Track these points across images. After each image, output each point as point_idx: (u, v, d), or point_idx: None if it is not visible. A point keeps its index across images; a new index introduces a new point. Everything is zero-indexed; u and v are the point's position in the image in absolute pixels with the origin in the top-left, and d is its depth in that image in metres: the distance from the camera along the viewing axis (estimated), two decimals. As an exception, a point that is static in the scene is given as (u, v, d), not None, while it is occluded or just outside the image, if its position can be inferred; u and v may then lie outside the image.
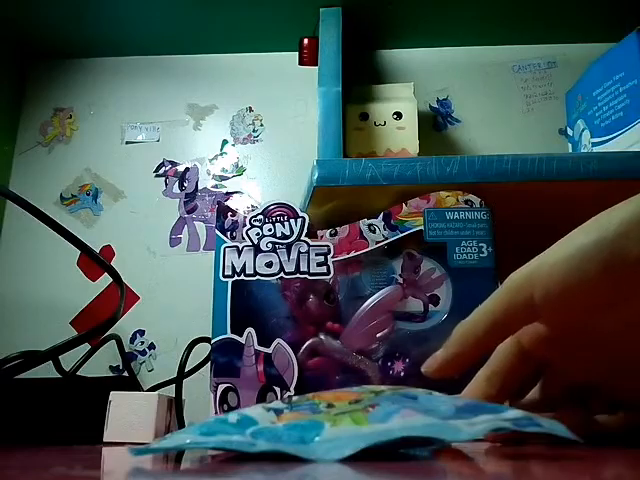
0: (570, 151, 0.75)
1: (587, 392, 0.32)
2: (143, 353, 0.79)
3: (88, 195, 0.85)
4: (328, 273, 0.44)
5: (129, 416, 0.42)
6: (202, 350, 0.55)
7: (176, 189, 0.85)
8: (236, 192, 0.85)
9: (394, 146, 0.71)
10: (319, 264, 0.44)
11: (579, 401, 0.31)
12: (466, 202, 0.45)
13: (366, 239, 0.45)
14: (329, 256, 0.44)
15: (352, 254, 0.44)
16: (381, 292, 0.44)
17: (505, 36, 0.85)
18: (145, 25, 0.83)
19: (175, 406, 0.48)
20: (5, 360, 0.46)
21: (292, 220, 0.45)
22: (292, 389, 0.42)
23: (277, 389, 0.42)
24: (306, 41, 0.80)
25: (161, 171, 0.86)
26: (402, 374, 0.42)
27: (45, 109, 0.89)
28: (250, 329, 0.43)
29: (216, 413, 0.42)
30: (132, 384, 0.54)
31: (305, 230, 0.45)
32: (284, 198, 0.46)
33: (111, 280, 0.60)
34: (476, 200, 0.45)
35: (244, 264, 0.44)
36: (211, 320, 0.44)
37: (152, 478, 0.21)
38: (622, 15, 0.76)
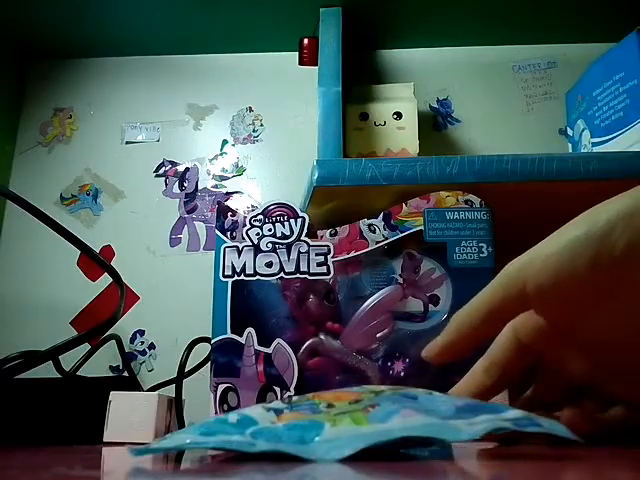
0: (570, 151, 0.75)
1: (584, 391, 0.32)
2: (143, 353, 0.79)
3: (88, 195, 0.86)
4: (328, 273, 0.44)
5: (129, 416, 0.42)
6: (202, 350, 0.55)
7: (176, 189, 0.85)
8: (236, 192, 0.85)
9: (394, 146, 0.71)
10: (319, 264, 0.44)
11: (577, 400, 0.31)
12: (466, 202, 0.45)
13: (366, 239, 0.45)
14: (329, 256, 0.44)
15: (352, 254, 0.44)
16: (381, 292, 0.44)
17: (505, 36, 0.85)
18: (145, 25, 0.83)
19: (175, 406, 0.48)
20: (5, 360, 0.46)
21: (292, 220, 0.45)
22: (292, 389, 0.42)
23: (277, 389, 0.42)
24: (306, 41, 0.80)
25: (161, 171, 0.86)
26: (402, 374, 0.42)
27: (45, 109, 0.89)
28: (250, 329, 0.43)
29: (216, 413, 0.42)
30: (132, 384, 0.54)
31: (305, 230, 0.45)
32: (284, 198, 0.46)
33: (111, 280, 0.60)
34: (476, 200, 0.45)
35: (244, 264, 0.44)
36: (211, 320, 0.44)
37: (152, 478, 0.21)
38: (622, 15, 0.76)
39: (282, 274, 0.44)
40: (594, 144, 0.67)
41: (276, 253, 0.44)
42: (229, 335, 0.43)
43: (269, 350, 0.43)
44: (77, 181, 0.86)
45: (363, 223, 0.45)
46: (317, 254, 0.44)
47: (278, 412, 0.25)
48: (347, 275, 0.44)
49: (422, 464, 0.22)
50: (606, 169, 0.46)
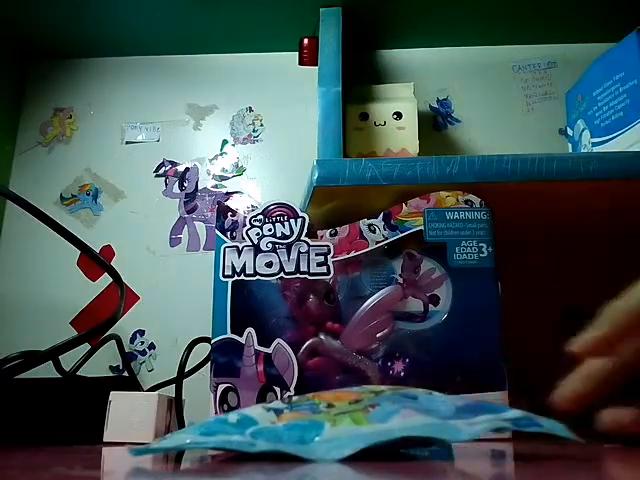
0: (570, 151, 0.74)
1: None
2: (143, 353, 0.79)
3: (88, 195, 0.85)
4: (328, 273, 0.44)
5: (129, 416, 0.42)
6: (202, 350, 0.55)
7: (176, 189, 0.85)
8: (236, 192, 0.85)
9: (394, 146, 0.71)
10: (319, 264, 0.44)
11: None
12: (466, 202, 0.45)
13: (366, 239, 0.45)
14: (329, 256, 0.44)
15: (352, 254, 0.44)
16: (381, 292, 0.44)
17: (505, 36, 0.85)
18: (145, 25, 0.83)
19: (175, 406, 0.48)
20: (5, 360, 0.46)
21: (292, 220, 0.45)
22: (292, 389, 0.42)
23: (277, 389, 0.42)
24: (306, 41, 0.80)
25: (161, 171, 0.86)
26: (402, 374, 0.42)
27: (45, 109, 0.89)
28: (250, 329, 0.43)
29: (216, 413, 0.42)
30: (132, 384, 0.54)
31: (305, 230, 0.45)
32: (284, 198, 0.46)
33: (111, 280, 0.60)
34: (476, 200, 0.45)
35: (244, 264, 0.44)
36: (211, 320, 0.44)
37: (152, 478, 0.21)
38: (622, 15, 0.76)
39: (282, 274, 0.44)
40: (594, 144, 0.67)
41: (276, 253, 0.44)
42: (229, 335, 0.43)
43: (269, 350, 0.43)
44: (77, 181, 0.86)
45: (363, 223, 0.45)
46: (317, 254, 0.44)
47: (278, 412, 0.25)
48: (347, 275, 0.44)
49: (422, 464, 0.22)
50: (606, 169, 0.46)
